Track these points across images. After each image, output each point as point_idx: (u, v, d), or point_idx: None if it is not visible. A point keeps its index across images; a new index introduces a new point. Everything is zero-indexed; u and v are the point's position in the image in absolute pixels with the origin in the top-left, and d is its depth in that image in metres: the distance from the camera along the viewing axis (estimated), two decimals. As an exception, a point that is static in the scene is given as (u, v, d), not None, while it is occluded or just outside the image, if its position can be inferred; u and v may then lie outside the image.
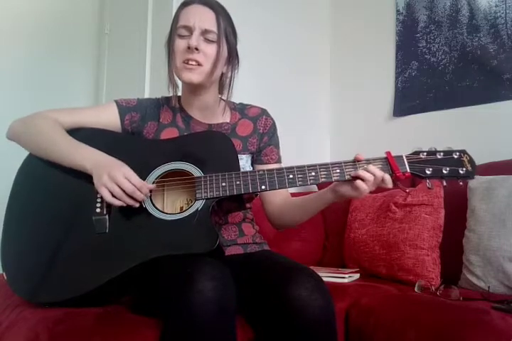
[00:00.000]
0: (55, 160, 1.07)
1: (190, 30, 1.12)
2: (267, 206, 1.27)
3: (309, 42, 2.55)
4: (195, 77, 1.13)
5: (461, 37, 2.03)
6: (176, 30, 1.14)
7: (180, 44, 1.13)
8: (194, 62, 1.11)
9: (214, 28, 1.12)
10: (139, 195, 0.99)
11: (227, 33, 1.15)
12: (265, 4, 2.31)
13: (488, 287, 1.39)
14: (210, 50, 1.13)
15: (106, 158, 1.04)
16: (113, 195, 0.98)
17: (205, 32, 1.12)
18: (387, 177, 1.01)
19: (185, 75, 1.13)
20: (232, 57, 1.19)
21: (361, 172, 1.00)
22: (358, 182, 1.00)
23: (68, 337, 0.89)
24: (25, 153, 1.15)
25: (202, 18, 1.12)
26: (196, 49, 1.11)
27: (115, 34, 2.49)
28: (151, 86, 2.07)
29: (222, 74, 1.20)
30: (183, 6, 1.16)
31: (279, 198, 1.24)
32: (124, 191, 0.98)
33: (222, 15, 1.15)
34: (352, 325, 1.28)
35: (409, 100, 2.22)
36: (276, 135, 1.30)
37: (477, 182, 1.55)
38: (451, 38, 2.07)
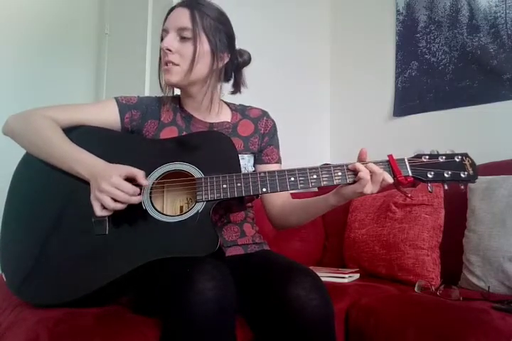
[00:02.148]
0: (51, 162, 1.06)
1: (167, 33, 1.14)
2: (268, 207, 1.26)
3: (309, 43, 2.55)
4: (172, 77, 1.13)
5: (461, 37, 2.03)
6: (161, 36, 1.17)
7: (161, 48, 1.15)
8: (170, 64, 1.12)
9: (188, 25, 1.11)
10: (135, 201, 0.98)
11: (207, 27, 1.13)
12: (265, 3, 2.30)
13: (488, 287, 1.39)
14: (186, 48, 1.12)
15: (101, 164, 1.02)
16: (104, 207, 0.97)
17: (180, 31, 1.12)
18: (386, 173, 0.98)
19: (164, 78, 1.14)
20: (220, 53, 1.16)
21: (357, 165, 0.98)
22: (360, 173, 0.97)
23: (68, 337, 0.89)
24: (22, 153, 1.13)
25: (177, 18, 1.13)
26: (169, 50, 1.11)
27: (115, 34, 2.49)
28: (151, 86, 2.07)
29: (214, 70, 1.17)
30: (168, 12, 1.17)
31: (280, 200, 1.24)
32: (119, 200, 0.97)
33: (202, 10, 1.13)
34: (352, 325, 1.27)
35: (409, 100, 2.21)
36: (276, 136, 1.31)
37: (477, 182, 1.54)
38: (451, 38, 2.07)
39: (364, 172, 0.97)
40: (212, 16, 1.15)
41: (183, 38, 1.12)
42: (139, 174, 0.99)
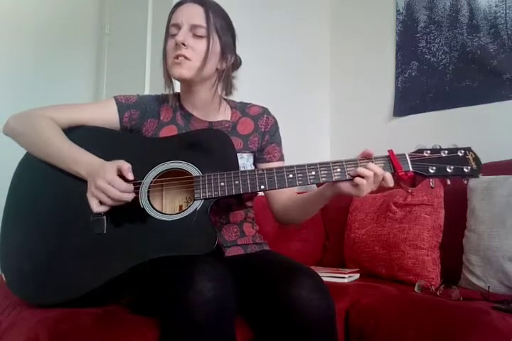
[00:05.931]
0: (51, 162, 1.07)
1: (179, 27, 1.12)
2: (273, 203, 1.25)
3: (309, 42, 2.55)
4: (184, 72, 1.12)
5: (461, 37, 2.03)
6: (167, 30, 1.16)
7: (170, 43, 1.14)
8: (182, 58, 1.11)
9: (202, 23, 1.12)
10: (127, 198, 0.98)
11: (219, 28, 1.14)
12: (265, 3, 2.31)
13: (488, 287, 1.39)
14: (199, 45, 1.12)
15: (98, 163, 1.02)
16: (101, 203, 0.97)
17: (193, 27, 1.12)
18: (388, 175, 0.96)
19: (175, 71, 1.12)
20: (227, 54, 1.17)
21: (360, 170, 0.96)
22: (358, 178, 0.96)
23: (68, 337, 0.89)
24: (22, 153, 1.13)
25: (190, 14, 1.13)
26: (183, 44, 1.10)
27: (115, 34, 2.49)
28: (151, 86, 2.07)
29: (218, 70, 1.18)
30: (175, 7, 1.17)
31: (284, 196, 1.23)
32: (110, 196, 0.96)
33: (214, 10, 1.14)
34: (352, 325, 1.27)
35: (409, 100, 2.22)
36: (278, 133, 1.30)
37: (477, 182, 1.55)
38: (451, 38, 2.07)
39: (363, 179, 0.96)
40: (222, 17, 1.16)
41: (196, 36, 1.12)
42: (124, 167, 0.98)
